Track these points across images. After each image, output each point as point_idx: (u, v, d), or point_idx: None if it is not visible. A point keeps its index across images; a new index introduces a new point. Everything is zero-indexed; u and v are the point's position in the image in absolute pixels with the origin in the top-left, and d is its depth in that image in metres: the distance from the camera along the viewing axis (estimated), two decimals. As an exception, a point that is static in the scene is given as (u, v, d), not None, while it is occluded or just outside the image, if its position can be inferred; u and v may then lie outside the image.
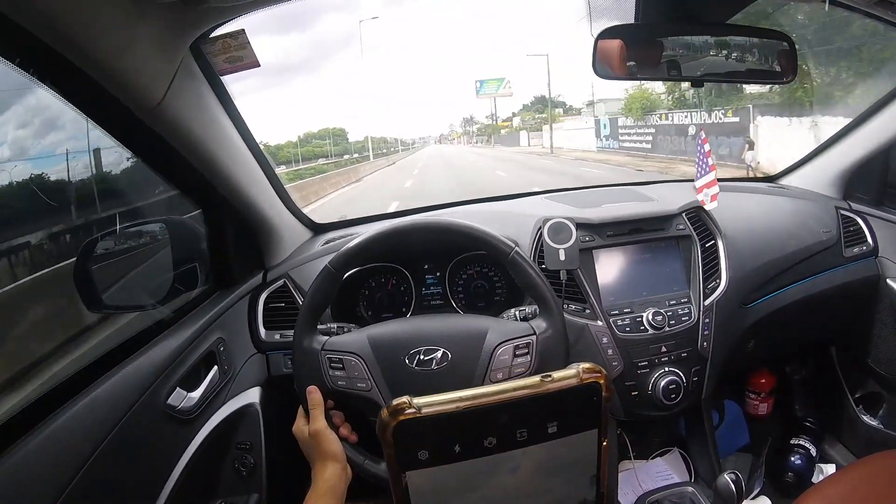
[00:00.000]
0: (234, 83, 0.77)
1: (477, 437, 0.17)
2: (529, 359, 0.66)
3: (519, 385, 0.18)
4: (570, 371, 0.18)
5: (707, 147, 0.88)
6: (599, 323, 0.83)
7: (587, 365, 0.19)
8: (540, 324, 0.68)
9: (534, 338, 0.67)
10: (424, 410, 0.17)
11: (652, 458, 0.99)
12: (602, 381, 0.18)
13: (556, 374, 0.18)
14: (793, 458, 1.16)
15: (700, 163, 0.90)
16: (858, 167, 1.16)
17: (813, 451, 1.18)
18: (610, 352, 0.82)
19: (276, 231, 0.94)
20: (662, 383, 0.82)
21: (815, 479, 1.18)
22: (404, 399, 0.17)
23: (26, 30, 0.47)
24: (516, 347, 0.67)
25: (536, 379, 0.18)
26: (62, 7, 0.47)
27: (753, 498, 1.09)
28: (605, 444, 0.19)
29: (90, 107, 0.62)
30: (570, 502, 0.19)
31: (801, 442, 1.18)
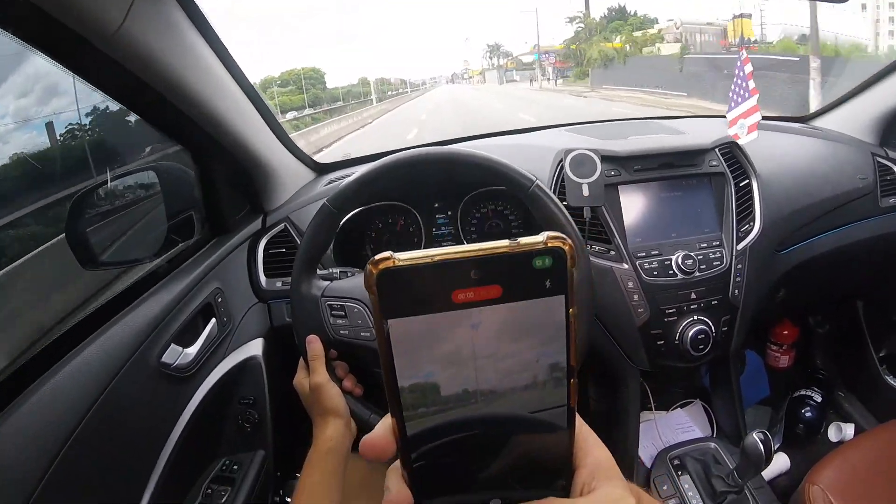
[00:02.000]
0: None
1: (448, 290, 0.19)
2: None
3: (490, 245, 0.19)
4: (538, 238, 0.19)
5: (749, 68, 0.78)
6: (625, 266, 0.77)
7: (552, 233, 0.19)
8: None
9: None
10: (402, 261, 0.18)
11: (673, 410, 0.95)
12: (566, 248, 0.19)
13: (522, 240, 0.19)
14: (803, 410, 1.14)
15: (737, 86, 0.79)
16: (896, 112, 1.08)
17: (820, 401, 1.15)
18: (636, 297, 0.76)
19: (274, 172, 0.87)
20: (691, 333, 0.76)
21: (831, 435, 1.16)
22: (387, 252, 0.19)
23: None
24: None
25: (505, 242, 0.19)
26: None
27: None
28: (572, 310, 0.20)
29: (39, 39, 0.53)
30: (537, 366, 0.20)
31: (809, 393, 1.16)
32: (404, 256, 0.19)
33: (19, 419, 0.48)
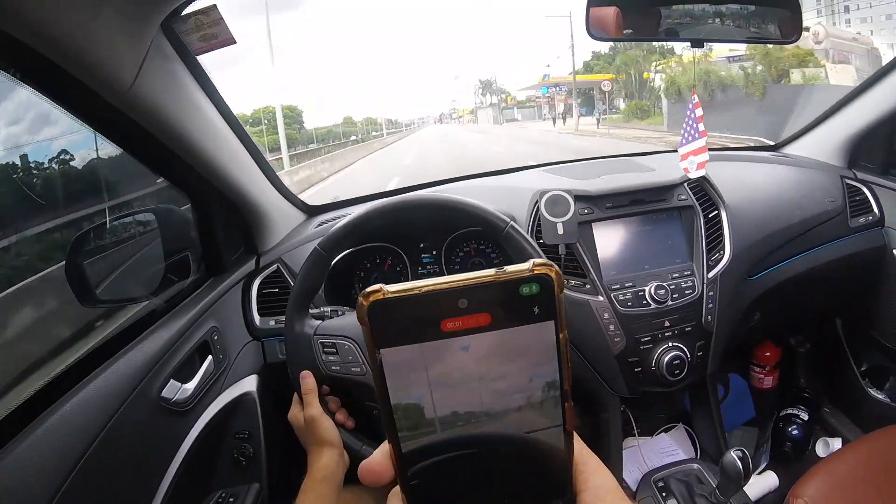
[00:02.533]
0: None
1: (437, 319, 0.19)
2: None
3: (477, 274, 0.20)
4: (524, 266, 0.20)
5: (699, 112, 0.84)
6: (600, 298, 0.81)
7: (539, 260, 0.20)
8: None
9: None
10: (392, 293, 0.19)
11: (657, 435, 0.98)
12: (552, 274, 0.19)
13: (509, 268, 0.20)
14: (790, 429, 1.17)
15: (688, 127, 0.85)
16: (864, 135, 1.13)
17: (807, 419, 1.18)
18: (612, 328, 0.80)
19: (267, 214, 0.91)
20: (666, 359, 0.80)
21: (819, 451, 1.18)
22: (377, 285, 0.20)
23: None
24: None
25: (492, 271, 0.20)
26: None
27: (759, 473, 1.08)
28: (562, 335, 0.20)
29: (57, 93, 0.59)
30: (530, 387, 0.20)
31: (795, 412, 1.18)
32: (394, 288, 0.20)
33: (28, 449, 0.50)
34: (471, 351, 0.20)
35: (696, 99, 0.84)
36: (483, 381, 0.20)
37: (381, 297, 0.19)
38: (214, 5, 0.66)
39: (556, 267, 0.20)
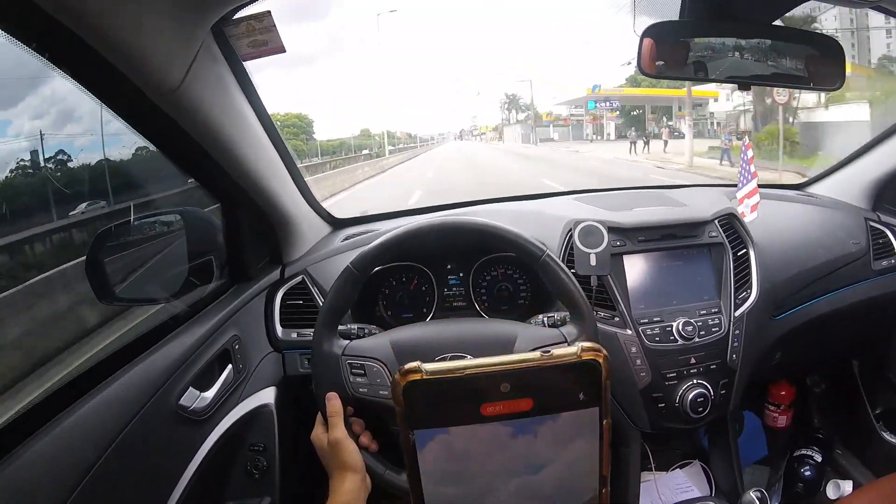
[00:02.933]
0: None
1: (477, 403, 0.19)
2: None
3: (521, 357, 0.19)
4: (571, 349, 0.19)
5: (751, 153, 0.85)
6: (629, 332, 0.80)
7: (587, 344, 0.19)
8: (571, 331, 0.66)
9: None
10: (431, 374, 0.18)
11: (672, 470, 0.97)
12: (601, 360, 0.19)
13: (556, 351, 0.19)
14: (802, 470, 1.15)
15: (743, 170, 0.87)
16: (889, 178, 1.13)
17: (820, 460, 1.16)
18: (638, 362, 0.79)
19: (296, 225, 0.91)
20: (690, 396, 0.79)
21: (829, 493, 1.17)
22: (416, 363, 0.19)
23: (34, 3, 0.43)
24: None
25: (536, 353, 0.19)
26: None
27: (771, 512, 1.07)
28: (606, 422, 0.20)
29: (103, 89, 0.59)
30: (569, 474, 0.20)
31: (809, 453, 1.17)
32: (432, 367, 0.19)
33: (42, 451, 0.49)
34: (510, 436, 0.19)
35: (749, 140, 0.86)
36: (521, 466, 0.19)
37: (419, 377, 0.19)
38: (268, 11, 0.66)
39: (605, 352, 0.19)
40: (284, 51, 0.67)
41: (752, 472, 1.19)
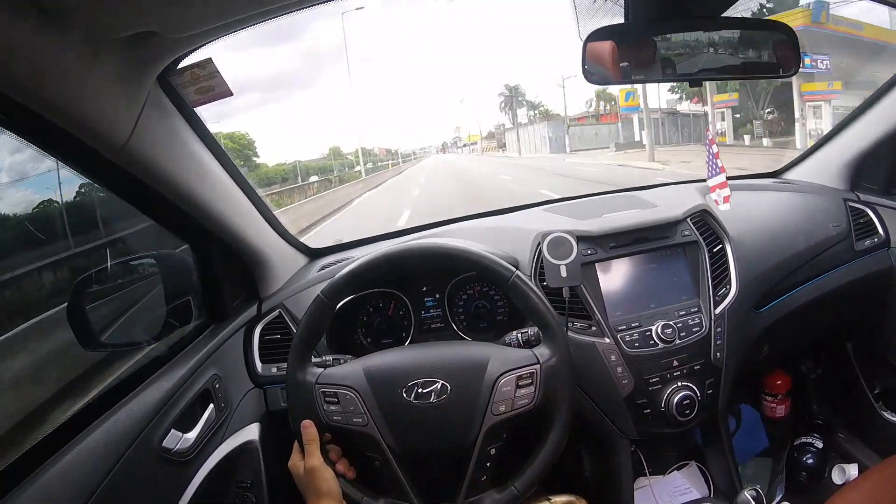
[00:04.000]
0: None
1: None
2: (533, 390, 0.63)
3: None
4: None
5: (716, 148, 0.85)
6: (607, 340, 0.80)
7: (561, 500, 0.18)
8: (543, 351, 0.65)
9: (537, 367, 0.64)
10: None
11: (669, 473, 0.95)
12: None
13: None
14: (804, 458, 1.14)
15: (710, 164, 0.87)
16: (865, 156, 1.12)
17: (821, 447, 1.15)
18: (619, 370, 0.79)
19: (268, 259, 0.91)
20: (676, 399, 0.78)
21: (835, 478, 1.15)
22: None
23: None
24: (519, 378, 0.64)
25: None
26: (9, 57, 0.44)
27: (776, 505, 1.06)
28: None
29: (56, 150, 0.60)
30: None
31: (810, 440, 1.16)
32: None
33: (25, 502, 0.49)
34: None
35: (711, 136, 0.86)
36: None
37: None
38: (209, 59, 0.67)
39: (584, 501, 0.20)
40: (231, 94, 0.68)
41: (755, 465, 1.18)
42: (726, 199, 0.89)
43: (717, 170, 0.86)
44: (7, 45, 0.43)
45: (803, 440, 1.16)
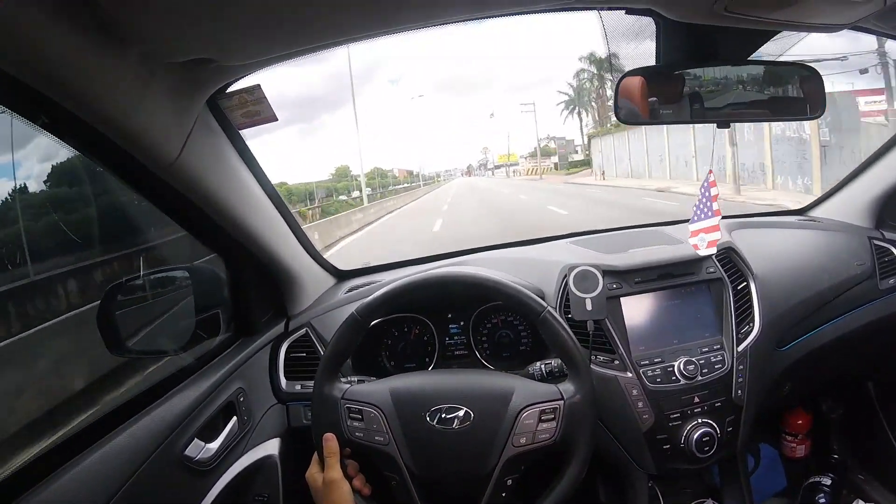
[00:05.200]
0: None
1: None
2: (555, 425, 0.64)
3: None
4: None
5: (714, 191, 0.84)
6: (629, 374, 0.80)
7: None
8: (568, 387, 0.66)
9: (561, 403, 0.65)
10: None
11: (685, 510, 0.94)
12: None
13: None
14: (817, 497, 1.11)
15: (702, 205, 0.85)
16: (890, 194, 1.11)
17: (829, 483, 1.12)
18: (640, 404, 0.79)
19: (298, 279, 0.93)
20: (696, 436, 0.78)
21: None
22: None
23: (43, 93, 0.48)
24: (542, 412, 0.64)
25: None
26: (71, 71, 0.47)
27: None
28: None
29: (108, 163, 0.64)
30: None
31: (819, 479, 1.13)
32: None
33: (49, 497, 0.51)
34: None
35: (713, 178, 0.85)
36: None
37: None
38: (258, 85, 0.70)
39: None
40: (276, 119, 0.71)
41: (772, 504, 1.16)
42: (711, 244, 0.85)
43: (711, 213, 0.84)
44: (68, 59, 0.46)
45: (813, 479, 1.14)
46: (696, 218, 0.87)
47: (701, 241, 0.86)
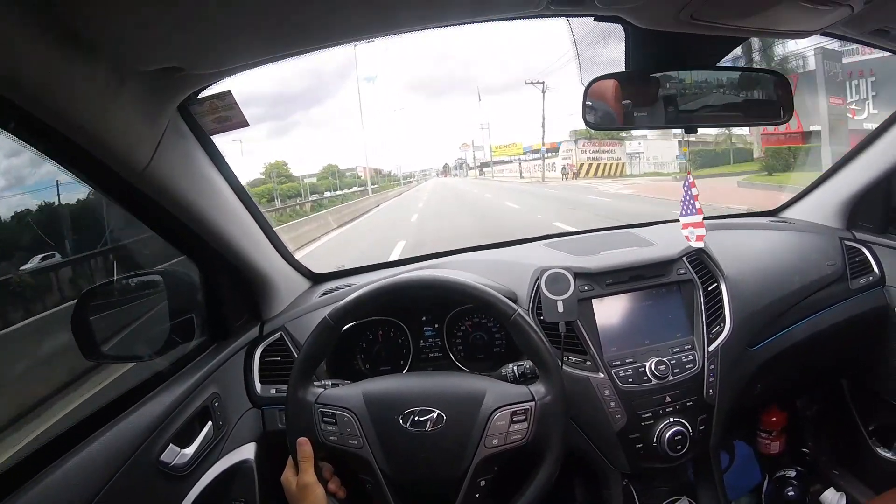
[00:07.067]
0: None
1: None
2: (527, 426, 0.65)
3: None
4: None
5: (695, 191, 0.87)
6: (601, 375, 0.81)
7: None
8: (539, 389, 0.67)
9: (532, 404, 0.66)
10: None
11: (660, 508, 0.96)
12: None
13: None
14: (786, 491, 1.15)
15: (686, 204, 0.88)
16: (861, 195, 1.14)
17: (794, 475, 1.16)
18: (612, 404, 0.80)
19: (272, 282, 0.93)
20: (668, 434, 0.80)
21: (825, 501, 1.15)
22: None
23: (11, 100, 0.47)
24: (514, 413, 0.65)
25: None
26: (40, 78, 0.47)
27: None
28: None
29: (78, 170, 0.63)
30: None
31: (784, 473, 1.17)
32: None
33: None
34: None
35: (692, 179, 0.87)
36: None
37: None
38: (229, 91, 0.70)
39: None
40: (248, 124, 0.71)
41: (747, 501, 1.18)
42: (699, 238, 0.90)
43: (694, 211, 0.88)
44: (37, 66, 0.46)
45: (780, 474, 1.17)
46: (683, 213, 0.90)
47: (691, 234, 0.89)
